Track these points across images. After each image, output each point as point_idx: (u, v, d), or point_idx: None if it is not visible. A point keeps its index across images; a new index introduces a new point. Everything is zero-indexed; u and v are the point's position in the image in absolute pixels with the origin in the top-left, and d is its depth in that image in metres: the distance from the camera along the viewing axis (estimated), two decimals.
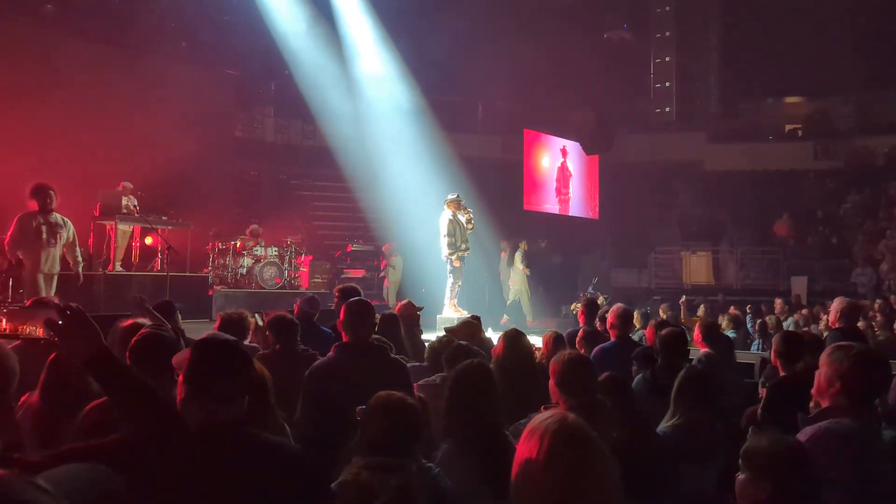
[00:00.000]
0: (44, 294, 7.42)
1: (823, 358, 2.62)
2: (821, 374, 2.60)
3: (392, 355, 3.60)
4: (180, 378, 2.07)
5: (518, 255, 14.43)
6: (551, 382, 3.11)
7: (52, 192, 7.71)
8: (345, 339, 3.51)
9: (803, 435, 2.44)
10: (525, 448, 1.80)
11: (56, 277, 7.73)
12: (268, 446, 2.06)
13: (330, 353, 3.48)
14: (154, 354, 2.68)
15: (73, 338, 2.00)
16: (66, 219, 7.99)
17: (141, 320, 3.57)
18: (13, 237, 7.67)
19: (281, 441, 2.16)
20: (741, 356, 7.71)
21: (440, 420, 3.07)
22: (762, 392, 4.77)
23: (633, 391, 3.39)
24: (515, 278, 14.38)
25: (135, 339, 2.74)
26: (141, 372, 2.64)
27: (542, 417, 1.84)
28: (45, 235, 7.54)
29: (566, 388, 3.04)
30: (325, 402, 3.28)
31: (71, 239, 8.01)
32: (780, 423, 3.46)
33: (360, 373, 3.32)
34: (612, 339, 5.35)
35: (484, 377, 2.92)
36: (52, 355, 3.15)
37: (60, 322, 1.99)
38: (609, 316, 5.46)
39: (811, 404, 2.74)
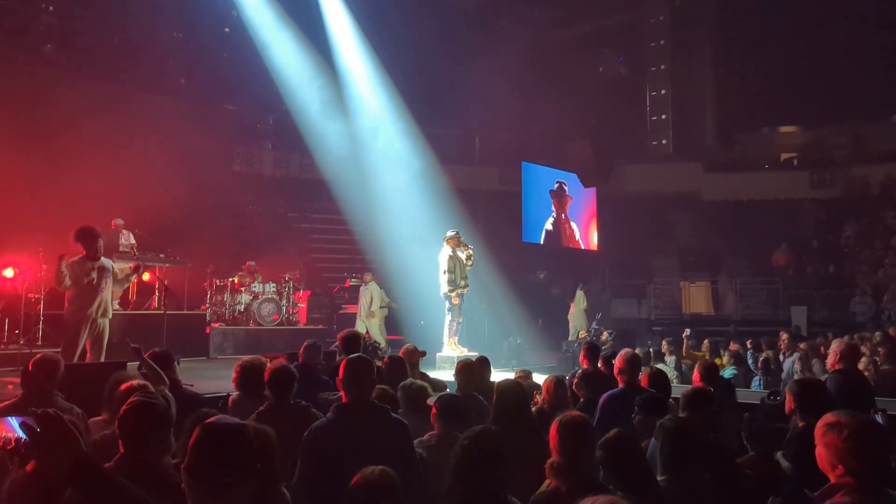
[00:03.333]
0: (84, 337, 7.30)
1: (818, 436, 2.52)
2: (821, 455, 2.50)
3: (393, 415, 3.53)
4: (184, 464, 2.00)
5: (579, 295, 15.41)
6: (551, 443, 3.06)
7: (101, 238, 7.53)
8: (344, 399, 3.45)
9: None
10: None
11: (106, 322, 7.50)
12: None
13: (329, 415, 3.41)
14: (143, 425, 2.61)
15: (50, 447, 1.93)
16: (108, 259, 7.81)
17: (141, 381, 3.49)
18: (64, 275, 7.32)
19: None
20: (743, 395, 7.61)
21: (438, 479, 3.02)
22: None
23: (641, 449, 3.31)
24: (575, 315, 15.19)
25: (123, 408, 2.67)
26: (130, 443, 2.60)
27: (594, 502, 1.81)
28: (95, 281, 7.31)
29: (563, 454, 3.00)
30: (324, 467, 3.20)
31: (118, 275, 7.82)
32: (807, 474, 3.39)
33: (359, 436, 3.24)
34: (621, 385, 5.24)
35: (493, 446, 2.85)
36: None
37: (38, 430, 1.92)
38: (617, 361, 5.35)
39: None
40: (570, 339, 14.46)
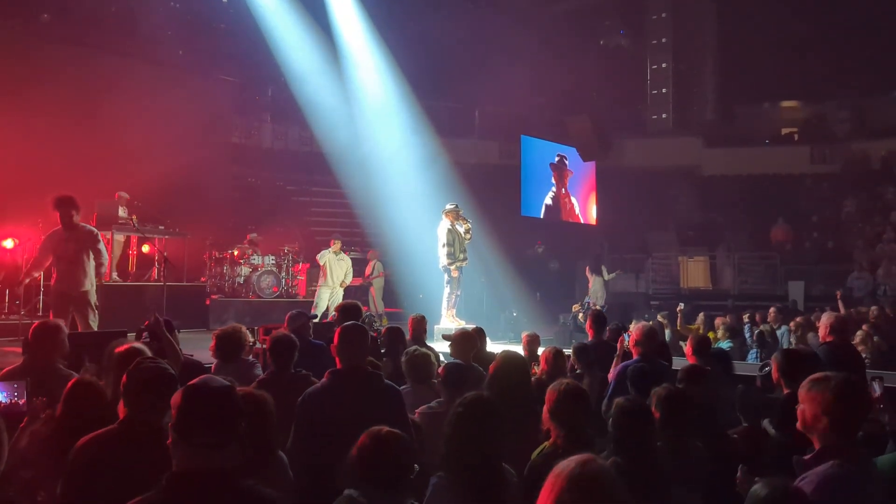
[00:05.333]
0: (69, 308, 7.23)
1: (802, 392, 2.56)
2: (805, 410, 2.54)
3: (386, 382, 3.59)
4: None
5: (604, 270, 15.83)
6: (545, 409, 3.11)
7: (75, 209, 7.26)
8: (338, 365, 3.52)
9: (803, 482, 2.41)
10: (547, 485, 1.83)
11: (87, 292, 7.31)
12: (249, 496, 2.06)
13: (323, 380, 3.49)
14: (152, 388, 2.67)
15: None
16: (93, 228, 7.64)
17: (138, 345, 3.54)
18: (34, 258, 7.41)
19: (266, 493, 2.12)
20: (737, 368, 7.64)
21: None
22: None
23: (652, 419, 3.36)
24: (596, 287, 15.42)
25: (132, 368, 2.73)
26: (137, 403, 2.66)
27: (568, 459, 1.86)
28: (70, 252, 7.17)
29: (558, 420, 3.04)
30: (318, 431, 3.29)
31: (98, 245, 7.53)
32: (791, 439, 3.43)
33: (352, 401, 3.32)
34: (635, 356, 5.27)
35: (486, 412, 2.89)
36: (73, 380, 3.23)
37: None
38: (633, 333, 5.39)
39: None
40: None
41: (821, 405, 2.48)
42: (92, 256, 7.38)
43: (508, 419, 3.19)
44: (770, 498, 2.12)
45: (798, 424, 2.57)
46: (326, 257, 12.28)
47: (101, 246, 7.53)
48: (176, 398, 2.07)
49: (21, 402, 3.15)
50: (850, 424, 2.47)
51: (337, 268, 12.27)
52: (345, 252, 12.92)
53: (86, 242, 7.31)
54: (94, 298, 7.41)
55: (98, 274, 7.48)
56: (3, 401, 3.15)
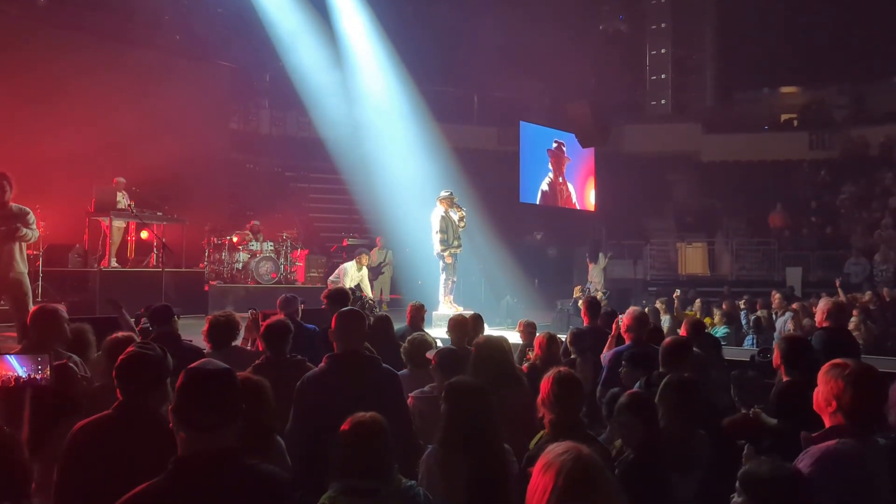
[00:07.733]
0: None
1: (821, 374, 2.63)
2: (818, 392, 2.61)
3: (383, 366, 3.62)
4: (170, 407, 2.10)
5: (600, 256, 15.90)
6: (540, 398, 3.14)
7: (4, 182, 6.51)
8: (336, 349, 3.54)
9: (803, 457, 2.47)
10: (541, 482, 1.85)
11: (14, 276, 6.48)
12: (255, 475, 2.08)
13: (321, 365, 3.52)
14: (139, 373, 2.69)
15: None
16: (24, 207, 6.67)
17: (131, 334, 3.57)
18: None
19: (270, 469, 2.16)
20: (734, 353, 7.73)
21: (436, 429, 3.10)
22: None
23: (655, 409, 3.36)
24: (594, 274, 15.46)
25: (120, 357, 2.74)
26: (127, 388, 2.68)
27: (556, 451, 1.88)
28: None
29: (553, 409, 3.07)
30: (316, 415, 3.32)
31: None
32: (791, 426, 3.47)
33: (351, 385, 3.35)
34: (627, 342, 5.27)
35: (467, 393, 2.95)
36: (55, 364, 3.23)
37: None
38: (625, 318, 5.37)
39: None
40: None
41: (832, 391, 2.54)
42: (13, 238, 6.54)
43: (495, 399, 3.21)
44: (769, 475, 2.15)
45: (814, 405, 2.63)
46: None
47: (31, 220, 6.66)
48: (178, 383, 2.10)
49: (42, 376, 3.14)
50: (859, 412, 2.51)
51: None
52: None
53: (15, 221, 6.48)
54: (27, 283, 6.68)
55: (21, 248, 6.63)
56: (24, 375, 3.14)
